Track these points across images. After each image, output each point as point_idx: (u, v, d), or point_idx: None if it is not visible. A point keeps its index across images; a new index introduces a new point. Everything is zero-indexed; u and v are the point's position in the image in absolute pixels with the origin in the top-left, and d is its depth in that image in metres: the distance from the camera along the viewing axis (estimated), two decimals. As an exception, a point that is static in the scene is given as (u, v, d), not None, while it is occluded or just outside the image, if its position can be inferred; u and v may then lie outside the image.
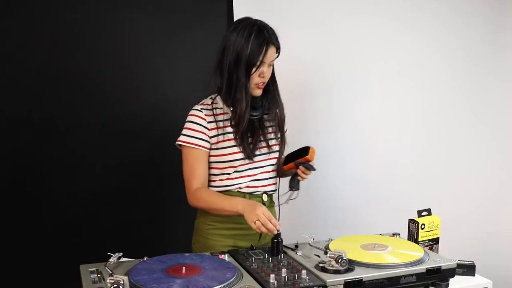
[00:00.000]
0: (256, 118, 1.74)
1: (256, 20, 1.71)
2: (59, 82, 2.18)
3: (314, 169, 1.73)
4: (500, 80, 2.56)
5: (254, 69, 1.66)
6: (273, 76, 1.78)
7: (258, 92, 1.73)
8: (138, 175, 2.34)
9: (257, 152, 1.76)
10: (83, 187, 2.25)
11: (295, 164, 1.72)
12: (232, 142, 1.73)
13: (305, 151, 1.73)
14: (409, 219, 1.72)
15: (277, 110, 1.80)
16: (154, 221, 2.38)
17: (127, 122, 2.29)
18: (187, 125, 1.73)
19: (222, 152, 1.73)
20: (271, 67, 1.73)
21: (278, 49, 1.71)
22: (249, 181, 1.76)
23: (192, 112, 1.74)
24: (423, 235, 1.69)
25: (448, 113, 2.57)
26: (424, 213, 1.73)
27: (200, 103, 1.77)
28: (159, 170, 2.35)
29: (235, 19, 2.32)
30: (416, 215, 1.71)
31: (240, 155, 1.73)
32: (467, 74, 2.57)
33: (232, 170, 1.74)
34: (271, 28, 1.70)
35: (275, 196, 1.86)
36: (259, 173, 1.77)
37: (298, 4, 2.37)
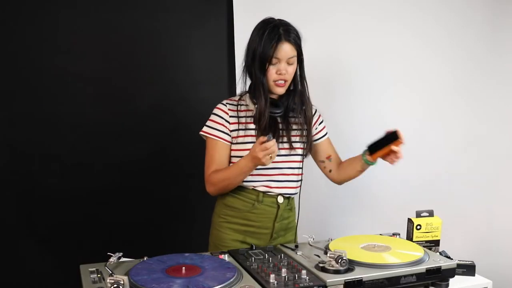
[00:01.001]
0: (277, 115, 1.75)
1: (276, 19, 1.73)
2: (59, 82, 2.18)
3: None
4: (499, 81, 2.56)
5: (267, 65, 1.68)
6: (301, 76, 1.78)
7: (278, 90, 1.74)
8: (138, 175, 2.34)
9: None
10: (83, 187, 2.25)
11: (391, 150, 1.70)
12: (253, 139, 1.75)
13: (393, 136, 1.69)
14: (408, 218, 1.72)
15: (305, 111, 1.80)
16: (154, 221, 2.38)
17: (127, 122, 2.29)
18: (210, 117, 1.80)
19: (241, 147, 1.76)
20: (293, 66, 1.73)
21: (298, 48, 1.72)
22: (265, 180, 1.77)
23: (217, 106, 1.80)
24: (418, 236, 1.69)
25: (447, 113, 2.57)
26: (425, 214, 1.73)
27: (228, 98, 1.83)
28: (159, 170, 2.35)
29: (235, 19, 2.34)
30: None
31: None
32: (467, 74, 2.57)
33: None
34: (292, 28, 1.72)
35: (295, 199, 1.88)
36: (277, 174, 1.78)
37: (298, 4, 2.37)
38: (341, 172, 1.91)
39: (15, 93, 2.13)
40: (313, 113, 1.87)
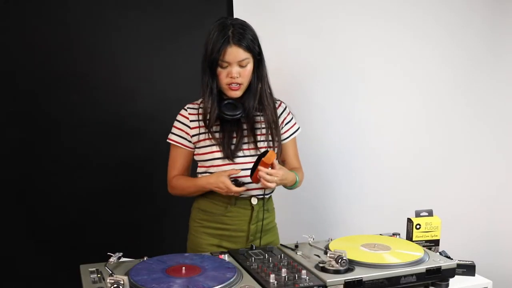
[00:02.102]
0: (235, 118, 1.70)
1: (231, 19, 1.67)
2: (59, 82, 2.18)
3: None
4: (500, 80, 2.56)
5: (218, 68, 1.65)
6: (259, 76, 1.73)
7: (232, 94, 1.70)
8: (138, 175, 2.34)
9: (241, 154, 1.73)
10: (83, 187, 2.26)
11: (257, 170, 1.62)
12: (213, 141, 1.74)
13: (262, 155, 1.64)
14: (407, 218, 1.72)
15: (266, 112, 1.75)
16: (154, 221, 2.38)
17: (127, 122, 2.29)
18: (174, 123, 1.80)
19: (203, 151, 1.75)
20: (247, 68, 1.67)
21: (250, 51, 1.65)
22: (233, 183, 1.74)
23: (180, 111, 1.80)
24: (418, 235, 1.69)
25: (447, 113, 2.57)
26: (424, 213, 1.73)
27: (191, 102, 1.81)
28: (159, 170, 2.34)
29: (235, 19, 2.33)
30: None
31: (219, 154, 1.72)
32: (467, 74, 2.56)
33: (214, 169, 1.74)
34: (245, 29, 1.65)
35: (273, 199, 1.86)
36: (245, 175, 1.74)
37: (298, 4, 2.37)
38: None
39: (15, 93, 2.14)
40: (281, 112, 1.83)
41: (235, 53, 1.63)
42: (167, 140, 1.81)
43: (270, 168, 1.63)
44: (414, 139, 2.54)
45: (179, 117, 1.79)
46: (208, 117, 1.71)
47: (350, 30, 2.42)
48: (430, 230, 1.70)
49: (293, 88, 2.36)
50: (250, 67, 1.68)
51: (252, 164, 1.68)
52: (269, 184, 1.62)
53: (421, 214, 1.73)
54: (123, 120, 2.29)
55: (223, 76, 1.67)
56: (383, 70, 2.47)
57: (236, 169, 1.68)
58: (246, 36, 1.64)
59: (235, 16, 2.32)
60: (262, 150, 1.73)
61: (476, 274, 1.56)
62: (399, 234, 1.71)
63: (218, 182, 1.66)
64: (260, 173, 1.61)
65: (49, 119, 2.19)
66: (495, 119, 2.57)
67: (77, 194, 2.25)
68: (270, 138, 1.77)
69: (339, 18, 2.41)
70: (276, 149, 1.77)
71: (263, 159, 1.62)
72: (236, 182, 1.69)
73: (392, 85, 2.50)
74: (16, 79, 2.13)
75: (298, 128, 1.88)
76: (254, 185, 1.72)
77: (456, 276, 1.47)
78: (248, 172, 1.70)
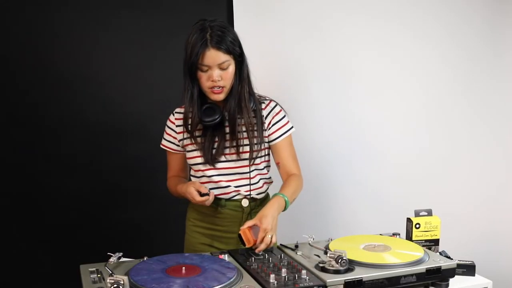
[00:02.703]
0: (211, 123, 1.67)
1: (207, 21, 1.61)
2: (59, 82, 2.18)
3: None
4: (500, 80, 2.56)
5: (198, 72, 1.62)
6: (240, 78, 1.68)
7: (215, 97, 1.66)
8: (138, 175, 2.34)
9: (222, 158, 1.72)
10: (83, 187, 2.26)
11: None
12: (195, 146, 1.73)
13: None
14: (407, 218, 1.73)
15: (245, 115, 1.69)
16: (154, 221, 2.38)
17: (127, 122, 2.29)
18: (164, 128, 1.82)
19: (188, 155, 1.77)
20: (229, 70, 1.63)
21: (229, 53, 1.61)
22: (218, 187, 1.74)
23: (169, 116, 1.82)
24: (418, 235, 1.69)
25: (447, 113, 2.57)
26: (423, 213, 1.73)
27: (179, 106, 1.79)
28: (159, 170, 2.34)
29: (235, 19, 2.33)
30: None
31: (200, 160, 1.72)
32: (467, 74, 2.56)
33: (200, 174, 1.75)
34: (222, 30, 1.60)
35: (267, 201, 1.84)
36: (231, 179, 1.74)
37: (298, 4, 2.37)
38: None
39: (15, 93, 2.14)
40: (268, 112, 1.77)
41: (214, 56, 1.59)
42: (160, 145, 1.84)
43: (257, 240, 1.54)
44: (414, 139, 2.54)
45: (167, 122, 1.81)
46: (189, 122, 1.70)
47: (350, 30, 2.42)
48: (429, 230, 1.70)
49: (293, 88, 2.36)
50: (231, 69, 1.64)
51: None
52: (273, 240, 1.56)
53: (421, 214, 1.73)
54: (123, 120, 2.29)
55: (204, 80, 1.63)
56: (383, 70, 2.47)
57: (205, 188, 1.65)
58: (225, 39, 1.60)
59: (235, 16, 2.32)
60: (245, 155, 1.72)
61: (476, 274, 1.56)
62: (399, 234, 1.71)
63: (186, 192, 1.67)
64: (258, 251, 1.53)
65: (49, 119, 2.19)
66: (495, 119, 2.57)
67: (77, 194, 2.25)
68: (249, 142, 1.72)
69: (339, 18, 2.41)
70: (255, 153, 1.73)
71: (246, 245, 1.55)
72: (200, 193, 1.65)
73: (392, 85, 2.49)
74: (16, 79, 2.13)
75: (291, 127, 1.81)
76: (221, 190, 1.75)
77: (456, 276, 1.46)
78: (229, 177, 1.74)
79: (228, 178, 1.74)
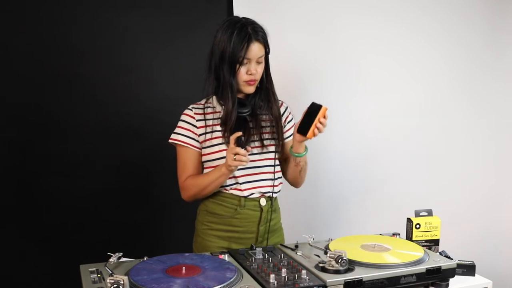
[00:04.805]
0: (245, 115, 1.72)
1: (242, 18, 1.70)
2: (59, 82, 2.18)
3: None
4: (499, 80, 2.56)
5: (238, 66, 1.66)
6: (267, 73, 1.76)
7: (249, 89, 1.72)
8: (138, 175, 2.34)
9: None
10: (83, 187, 2.25)
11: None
12: (220, 140, 1.73)
13: (315, 107, 1.63)
14: (407, 218, 1.73)
15: (271, 109, 1.77)
16: (154, 221, 2.38)
17: (127, 122, 2.29)
18: (178, 123, 1.78)
19: (211, 150, 1.74)
20: (262, 64, 1.71)
21: (266, 46, 1.70)
22: (243, 182, 1.75)
23: (184, 111, 1.78)
24: (418, 235, 1.69)
25: (448, 113, 2.57)
26: (424, 213, 1.73)
27: (195, 103, 1.80)
28: (159, 170, 2.35)
29: (235, 19, 2.33)
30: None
31: (225, 153, 1.71)
32: (467, 74, 2.57)
33: None
34: (258, 26, 1.69)
35: (279, 200, 1.85)
36: (252, 173, 1.75)
37: (298, 4, 2.37)
38: (286, 173, 1.87)
39: (15, 93, 2.14)
40: (283, 111, 1.85)
41: (257, 50, 1.66)
42: (171, 141, 1.77)
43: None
44: (414, 139, 2.55)
45: (184, 117, 1.77)
46: (228, 117, 1.70)
47: (350, 30, 2.42)
48: (429, 230, 1.70)
49: (293, 88, 2.36)
50: (263, 63, 1.72)
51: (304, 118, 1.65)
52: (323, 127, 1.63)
53: (421, 214, 1.73)
54: (123, 120, 2.28)
55: (243, 73, 1.68)
56: (383, 69, 2.48)
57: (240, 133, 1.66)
58: (264, 33, 1.69)
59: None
60: (270, 148, 1.75)
61: (476, 274, 1.56)
62: (399, 234, 1.71)
63: (228, 158, 1.62)
64: (319, 125, 1.62)
65: (49, 119, 2.19)
66: (495, 118, 2.58)
67: (77, 194, 2.25)
68: (276, 136, 1.78)
69: (339, 18, 2.41)
70: (278, 147, 1.78)
71: (319, 115, 1.60)
72: (239, 142, 1.65)
73: (392, 85, 2.50)
74: (16, 79, 2.13)
75: None
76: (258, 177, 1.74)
77: (456, 276, 1.47)
78: (251, 171, 1.73)
79: (250, 171, 1.74)
